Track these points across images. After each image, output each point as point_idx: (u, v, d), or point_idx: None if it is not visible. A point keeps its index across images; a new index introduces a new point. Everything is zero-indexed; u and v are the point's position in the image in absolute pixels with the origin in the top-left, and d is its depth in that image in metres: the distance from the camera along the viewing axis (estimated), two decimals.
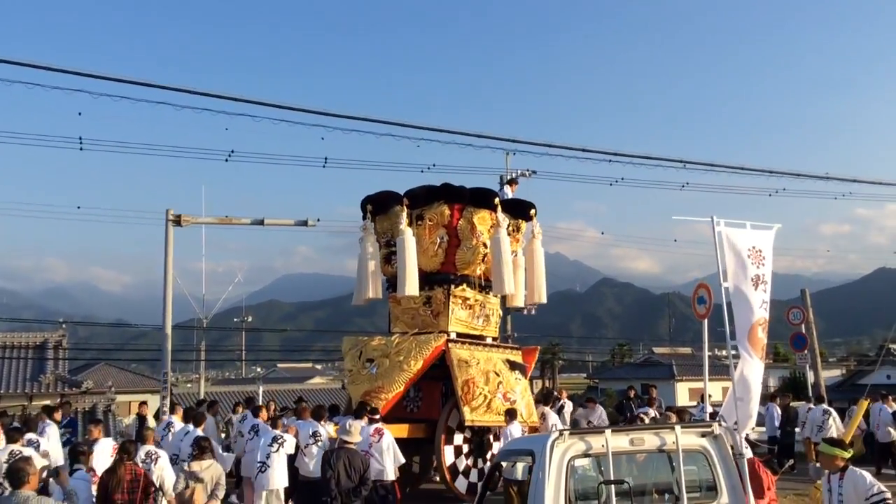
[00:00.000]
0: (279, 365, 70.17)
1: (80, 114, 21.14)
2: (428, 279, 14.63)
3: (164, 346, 18.99)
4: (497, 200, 14.90)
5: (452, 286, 14.59)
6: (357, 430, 10.23)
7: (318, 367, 72.07)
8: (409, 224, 14.49)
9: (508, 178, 27.08)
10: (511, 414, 12.84)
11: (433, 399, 14.85)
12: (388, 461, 11.31)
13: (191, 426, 12.27)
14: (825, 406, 18.12)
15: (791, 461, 17.76)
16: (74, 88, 11.65)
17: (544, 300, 15.89)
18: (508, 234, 14.99)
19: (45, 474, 7.57)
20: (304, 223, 20.56)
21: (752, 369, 8.96)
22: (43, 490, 7.28)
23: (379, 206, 15.32)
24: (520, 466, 7.16)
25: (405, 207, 14.64)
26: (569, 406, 18.18)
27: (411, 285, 14.09)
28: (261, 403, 16.27)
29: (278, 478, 11.11)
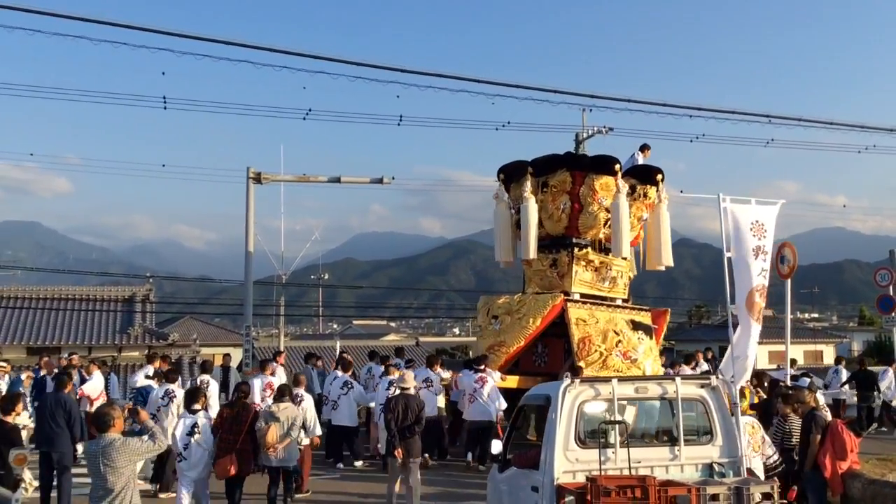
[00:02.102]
0: (355, 322, 71.41)
1: (163, 73, 21.77)
2: (554, 243, 15.59)
3: (247, 301, 19.54)
4: (617, 167, 15.38)
5: (576, 249, 15.38)
6: (411, 378, 11.38)
7: (393, 324, 73.11)
8: (535, 191, 15.50)
9: (584, 135, 26.77)
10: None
11: (557, 355, 15.64)
12: (491, 403, 13.43)
13: (339, 371, 14.43)
14: None
15: (875, 424, 17.34)
16: (159, 47, 11.91)
17: (671, 263, 16.14)
18: (636, 200, 15.59)
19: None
20: (380, 181, 20.74)
21: (749, 331, 9.85)
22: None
23: (510, 174, 16.32)
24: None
25: (530, 175, 15.57)
26: (704, 367, 17.99)
27: (530, 249, 15.13)
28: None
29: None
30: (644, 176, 15.97)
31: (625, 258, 15.68)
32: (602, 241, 15.65)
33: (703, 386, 7.50)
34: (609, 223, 15.20)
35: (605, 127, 26.12)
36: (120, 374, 24.60)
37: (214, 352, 41.43)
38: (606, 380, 7.51)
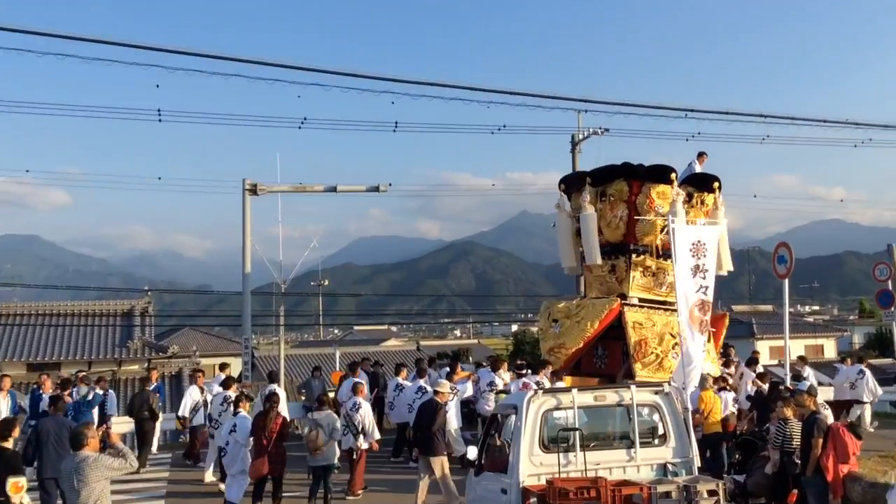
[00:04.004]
0: (355, 328, 71.42)
1: (157, 86, 21.64)
2: (613, 249, 16.11)
3: (245, 313, 19.53)
4: (673, 175, 15.74)
5: (633, 255, 15.94)
6: (446, 385, 12.32)
7: (394, 328, 73.07)
8: (594, 200, 16.05)
9: (580, 137, 26.74)
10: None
11: (615, 357, 16.13)
12: None
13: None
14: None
15: (875, 423, 17.31)
16: (150, 63, 11.92)
17: (730, 267, 16.44)
18: (692, 207, 16.00)
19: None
20: (376, 189, 20.72)
21: (694, 342, 10.76)
22: None
23: (570, 185, 17.19)
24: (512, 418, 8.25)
25: (589, 186, 16.15)
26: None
27: (591, 255, 15.65)
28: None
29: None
30: (701, 184, 16.44)
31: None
32: (659, 247, 15.99)
33: (656, 392, 8.01)
34: (665, 230, 15.31)
35: (600, 128, 26.10)
36: (120, 388, 24.56)
37: (215, 362, 41.40)
38: (567, 390, 8.15)
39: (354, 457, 12.59)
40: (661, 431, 7.86)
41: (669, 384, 8.47)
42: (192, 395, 15.49)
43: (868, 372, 17.73)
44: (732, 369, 16.33)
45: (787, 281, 14.96)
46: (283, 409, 13.62)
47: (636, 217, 15.46)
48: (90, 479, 6.69)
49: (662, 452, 7.80)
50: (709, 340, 15.91)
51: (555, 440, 7.54)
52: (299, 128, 18.90)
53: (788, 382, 14.28)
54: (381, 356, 36.12)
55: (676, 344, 15.00)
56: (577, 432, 7.52)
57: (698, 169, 17.35)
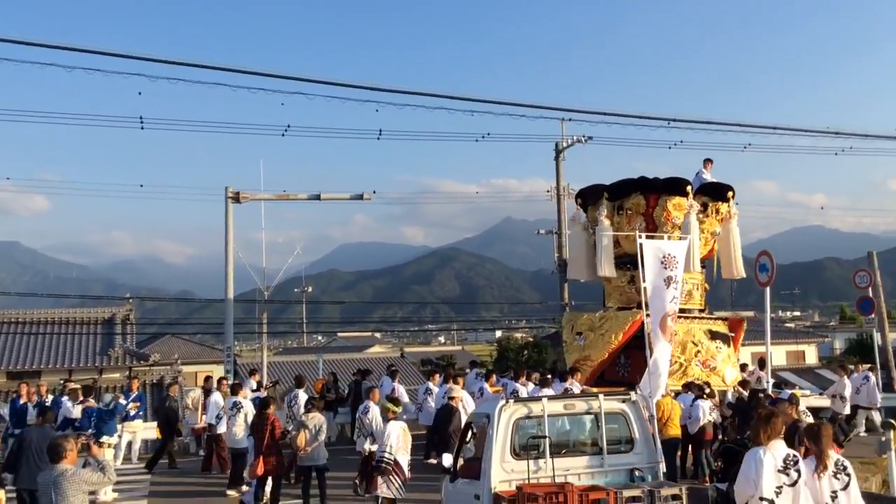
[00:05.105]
0: (339, 334, 71.08)
1: (139, 93, 21.60)
2: (632, 260, 16.12)
3: (227, 323, 19.42)
4: (689, 188, 16.35)
5: None
6: (458, 390, 13.52)
7: (378, 335, 72.81)
8: (611, 213, 16.67)
9: (564, 145, 26.84)
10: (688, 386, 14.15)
11: (638, 365, 16.16)
12: None
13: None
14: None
15: (857, 430, 17.42)
16: (132, 72, 11.85)
17: (742, 273, 16.97)
18: (707, 216, 16.71)
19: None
20: (360, 197, 20.70)
21: (662, 350, 11.06)
22: None
23: (587, 199, 17.73)
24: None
25: (605, 200, 16.69)
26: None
27: (605, 268, 16.13)
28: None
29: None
30: (716, 193, 17.04)
31: (702, 270, 16.80)
32: None
33: (624, 401, 8.31)
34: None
35: (583, 136, 26.28)
36: (100, 396, 24.33)
37: (197, 370, 41.05)
38: (538, 399, 8.44)
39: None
40: (628, 438, 8.13)
41: (636, 392, 8.86)
42: (216, 402, 15.16)
43: (872, 378, 18.04)
44: (745, 374, 16.58)
45: (768, 289, 15.08)
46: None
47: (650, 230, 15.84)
48: (68, 493, 6.59)
49: (629, 458, 8.06)
50: (729, 346, 16.50)
51: (525, 447, 7.75)
52: (283, 135, 18.85)
53: (770, 389, 14.36)
54: (366, 363, 36.02)
55: (698, 351, 15.92)
56: (547, 440, 7.74)
57: (707, 176, 17.87)
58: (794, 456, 6.37)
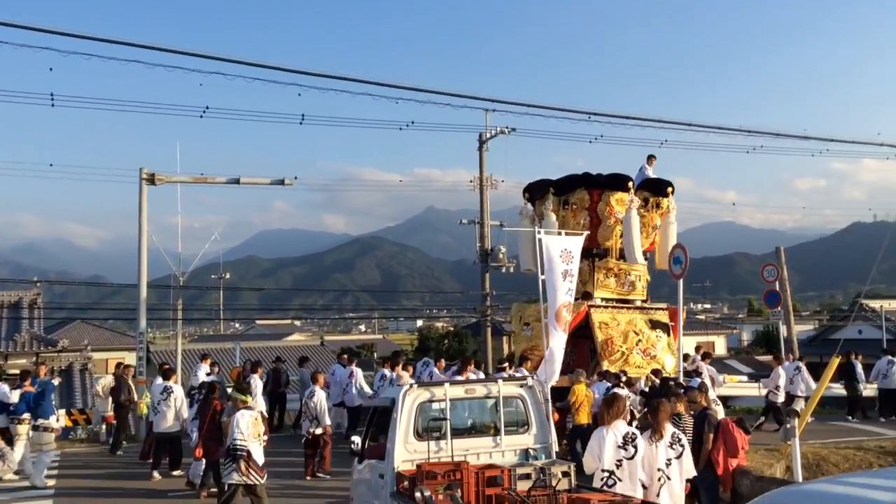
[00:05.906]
0: (258, 322, 69.99)
1: (51, 69, 20.69)
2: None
3: (140, 307, 18.86)
4: (630, 183, 16.97)
5: (597, 259, 17.24)
6: (406, 378, 14.08)
7: (298, 323, 71.98)
8: (557, 208, 17.33)
9: (488, 135, 26.99)
10: (604, 374, 14.79)
11: (583, 355, 17.06)
12: None
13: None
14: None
15: (762, 419, 18.09)
16: (43, 46, 11.36)
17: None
18: (648, 210, 17.46)
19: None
20: (281, 182, 20.36)
21: (557, 339, 11.47)
22: None
23: (534, 192, 18.29)
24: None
25: (552, 194, 17.32)
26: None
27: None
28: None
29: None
30: (657, 189, 17.73)
31: (644, 262, 17.40)
32: (621, 250, 17.12)
33: (521, 386, 8.71)
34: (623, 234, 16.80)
35: (507, 127, 26.45)
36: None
37: (108, 356, 39.87)
38: (440, 383, 8.69)
39: (320, 441, 13.17)
40: (524, 421, 8.52)
41: (533, 378, 9.42)
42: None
43: (804, 368, 18.56)
44: (687, 364, 16.96)
45: (681, 281, 15.47)
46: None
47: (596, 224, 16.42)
48: None
49: (525, 439, 8.47)
50: (668, 335, 17.00)
51: (428, 429, 8.10)
52: (201, 117, 18.32)
53: (681, 378, 14.75)
54: (284, 351, 35.57)
55: (640, 340, 16.48)
56: (448, 422, 8.08)
57: (650, 172, 18.38)
58: (633, 433, 7.59)
